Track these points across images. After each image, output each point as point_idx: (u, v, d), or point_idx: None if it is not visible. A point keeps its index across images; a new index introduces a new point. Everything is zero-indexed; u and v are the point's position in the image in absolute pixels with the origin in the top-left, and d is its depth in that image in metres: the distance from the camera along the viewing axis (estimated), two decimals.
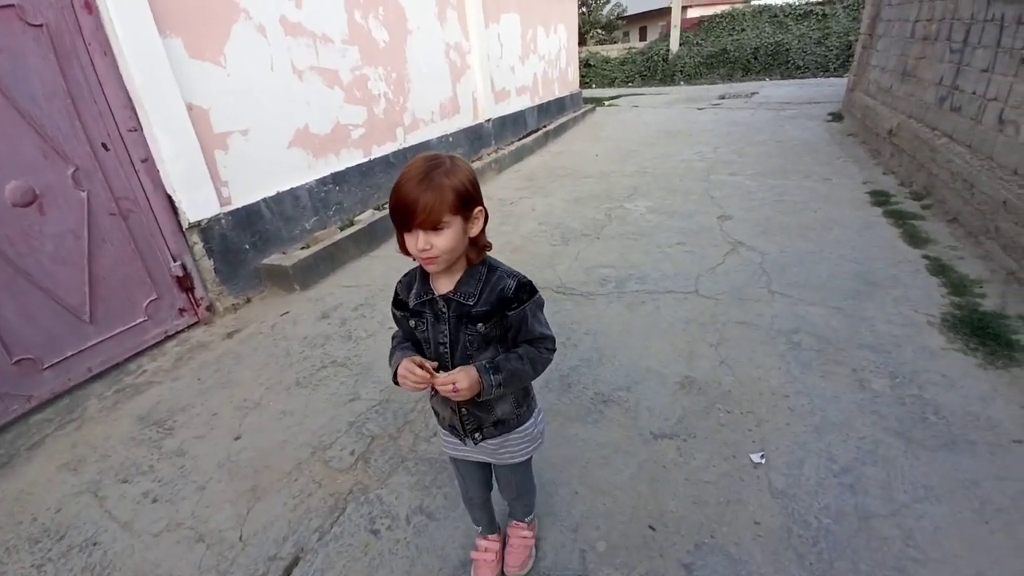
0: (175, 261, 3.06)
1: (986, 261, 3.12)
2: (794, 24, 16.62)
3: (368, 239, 4.11)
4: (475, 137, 6.32)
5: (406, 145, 5.00)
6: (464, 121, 6.07)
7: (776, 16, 17.20)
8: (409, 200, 0.90)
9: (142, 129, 2.80)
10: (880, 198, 4.41)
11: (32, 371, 2.52)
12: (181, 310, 3.16)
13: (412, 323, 1.11)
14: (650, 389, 2.20)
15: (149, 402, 2.54)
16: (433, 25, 5.32)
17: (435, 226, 0.92)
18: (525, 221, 4.50)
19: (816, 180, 5.02)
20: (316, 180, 3.95)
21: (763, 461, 1.77)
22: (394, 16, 4.70)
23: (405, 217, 0.92)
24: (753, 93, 11.50)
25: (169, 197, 2.97)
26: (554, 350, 1.13)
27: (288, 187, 3.72)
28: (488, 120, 6.55)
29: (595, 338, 2.61)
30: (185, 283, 3.13)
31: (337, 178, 4.15)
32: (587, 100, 11.70)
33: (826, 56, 15.02)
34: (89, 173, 2.62)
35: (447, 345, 1.07)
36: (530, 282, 1.08)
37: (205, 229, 3.15)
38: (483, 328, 1.05)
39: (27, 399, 2.48)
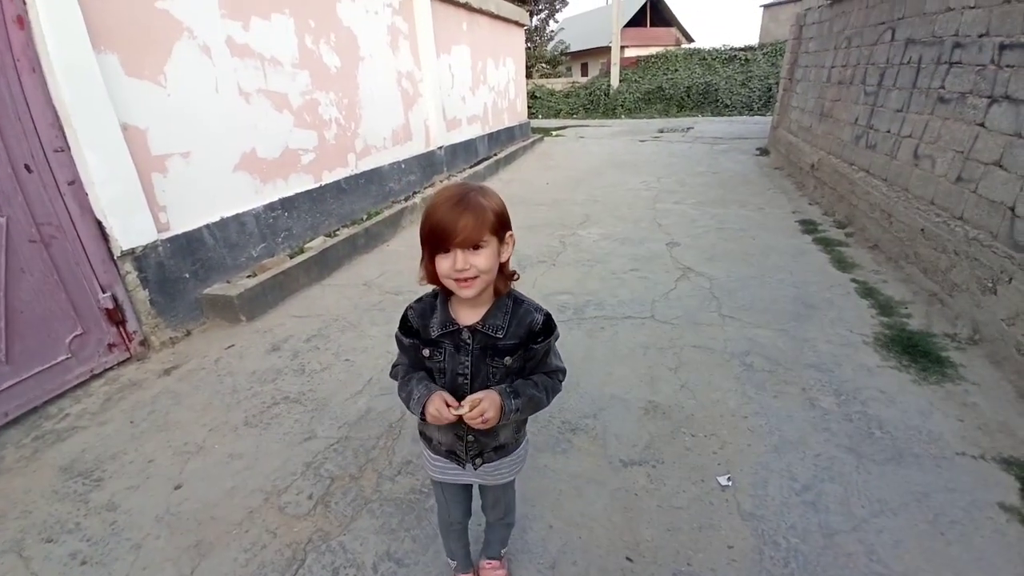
0: (104, 292, 2.80)
1: (908, 284, 3.42)
2: (721, 67, 18.02)
3: (319, 267, 3.96)
4: (427, 164, 6.31)
5: (358, 171, 4.91)
6: (416, 148, 6.06)
7: (705, 59, 18.61)
8: (450, 218, 0.89)
9: (69, 149, 2.58)
10: (808, 227, 4.77)
11: None
12: (111, 345, 2.88)
13: (427, 352, 1.07)
14: (616, 416, 2.22)
15: (73, 450, 2.27)
16: (385, 53, 5.33)
17: (475, 245, 0.91)
18: None
19: (751, 209, 5.37)
20: (264, 206, 3.78)
21: (730, 484, 1.81)
22: (346, 43, 4.66)
23: (445, 236, 0.90)
24: (689, 128, 12.27)
25: (99, 223, 2.74)
26: (564, 380, 1.15)
27: (233, 212, 3.54)
28: (440, 147, 6.57)
29: None
30: (116, 316, 2.87)
31: (286, 204, 3.99)
32: (535, 130, 12.04)
33: (750, 96, 16.35)
34: (8, 197, 2.37)
35: (467, 376, 1.06)
36: (551, 316, 1.09)
37: (140, 257, 2.91)
38: (509, 361, 1.05)
39: None
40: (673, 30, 29.27)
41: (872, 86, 4.78)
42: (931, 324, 2.89)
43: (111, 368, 2.89)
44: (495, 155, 8.46)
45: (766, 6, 26.69)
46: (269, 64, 3.78)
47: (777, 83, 15.70)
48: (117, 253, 2.82)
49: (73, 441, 2.33)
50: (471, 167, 7.49)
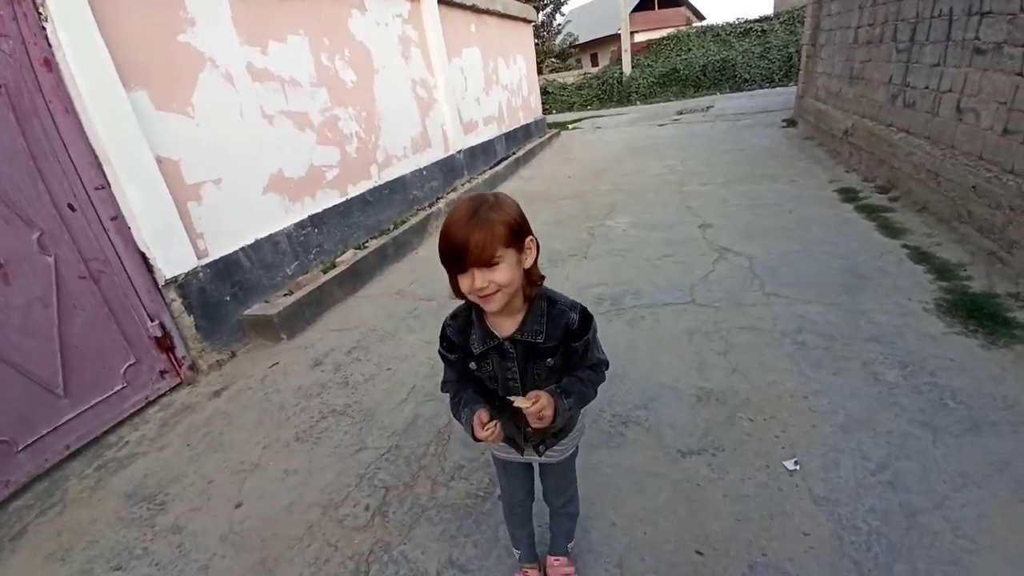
0: (152, 321, 2.89)
1: (963, 245, 3.22)
2: (736, 41, 17.48)
3: (352, 280, 4.00)
4: (448, 169, 6.32)
5: (381, 182, 4.95)
6: (436, 154, 6.08)
7: (719, 35, 18.08)
8: (460, 240, 0.90)
9: (110, 186, 2.67)
10: (848, 195, 4.56)
11: (7, 454, 2.32)
12: (162, 372, 2.98)
13: (474, 364, 1.11)
14: (668, 405, 2.15)
15: (136, 476, 2.34)
16: (398, 63, 5.36)
17: (489, 262, 0.91)
18: None
19: (784, 183, 5.17)
20: (294, 224, 3.85)
21: (798, 468, 1.73)
22: (360, 57, 4.71)
23: (458, 258, 0.92)
24: (709, 107, 11.96)
25: (143, 254, 2.83)
26: (607, 369, 1.17)
27: (266, 233, 3.61)
28: (459, 151, 6.58)
29: None
30: (165, 343, 2.96)
31: (315, 220, 4.05)
32: (551, 125, 11.95)
33: (769, 68, 15.79)
34: (55, 236, 2.47)
35: (517, 380, 1.09)
36: (587, 310, 1.10)
37: (183, 285, 3.00)
38: (551, 362, 1.07)
39: (4, 485, 2.27)
40: (683, 10, 28.65)
41: (904, 42, 4.54)
42: (993, 284, 2.71)
43: (164, 394, 2.99)
44: (513, 154, 8.43)
45: None
46: (289, 85, 3.85)
47: (798, 51, 15.16)
48: (161, 282, 2.90)
49: (135, 467, 2.41)
50: (491, 168, 7.48)
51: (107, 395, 2.73)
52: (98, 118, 2.55)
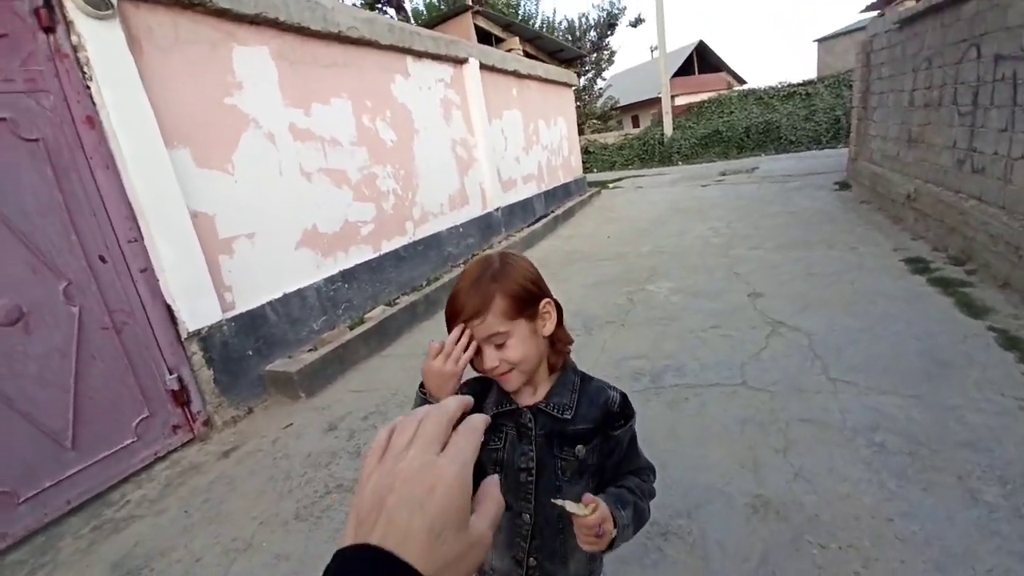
0: (171, 374, 2.82)
1: None
2: (780, 104, 17.44)
3: (379, 338, 3.88)
4: (485, 226, 6.30)
5: (416, 238, 4.93)
6: (473, 211, 6.09)
7: (761, 98, 18.12)
8: (456, 310, 0.81)
9: (142, 239, 2.69)
10: (918, 265, 4.16)
11: (7, 505, 2.23)
12: (175, 427, 2.87)
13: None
14: (716, 514, 1.82)
15: (127, 543, 2.19)
16: (439, 124, 5.48)
17: (497, 344, 0.80)
18: None
19: (842, 249, 4.82)
20: (324, 279, 3.80)
21: None
22: (402, 119, 4.82)
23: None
24: (754, 168, 11.75)
25: (168, 307, 2.80)
26: (655, 480, 0.96)
27: (295, 288, 3.56)
28: (497, 209, 6.58)
29: None
30: (181, 397, 2.86)
31: (346, 275, 4.01)
32: (592, 184, 12.00)
33: (816, 130, 15.57)
34: (83, 287, 2.46)
35: (531, 472, 0.85)
36: (627, 396, 0.92)
37: (205, 338, 2.94)
38: (582, 452, 0.85)
39: (1, 537, 2.16)
40: (723, 75, 29.14)
41: (966, 106, 4.26)
42: None
43: (175, 449, 2.87)
44: (552, 212, 8.40)
45: (820, 40, 26.09)
46: (329, 144, 3.93)
47: (845, 114, 14.98)
48: (184, 335, 2.85)
49: (128, 532, 2.26)
50: (528, 226, 7.44)
51: (116, 449, 2.63)
52: (137, 174, 2.60)
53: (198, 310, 2.88)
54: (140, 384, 2.70)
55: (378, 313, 4.11)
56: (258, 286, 3.31)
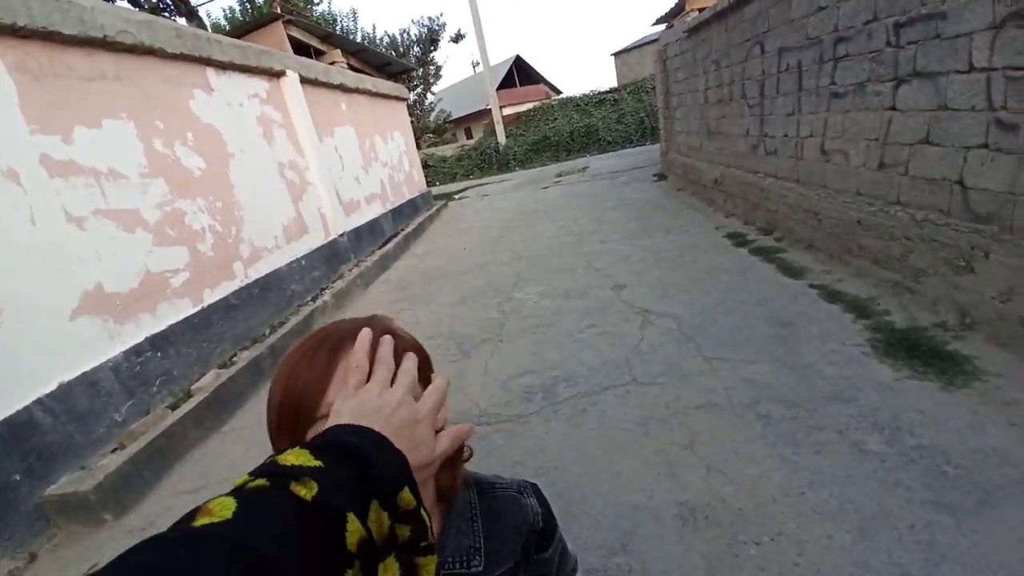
0: None
1: (864, 278, 3.30)
2: (594, 110, 19.24)
3: (215, 411, 3.12)
4: (331, 255, 5.65)
5: (249, 280, 4.16)
6: (315, 240, 5.41)
7: (579, 105, 19.82)
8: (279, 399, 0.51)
9: None
10: (737, 239, 4.70)
11: None
12: None
13: None
14: (650, 538, 1.67)
15: None
16: (260, 145, 4.74)
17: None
18: None
19: (677, 233, 5.28)
20: (124, 351, 2.94)
21: None
22: (209, 142, 4.03)
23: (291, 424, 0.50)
24: (585, 167, 12.66)
25: None
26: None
27: (78, 372, 2.67)
28: (342, 234, 5.96)
29: (551, 479, 2.04)
30: None
31: (157, 342, 3.16)
32: (437, 197, 11.79)
33: (627, 131, 17.47)
34: None
35: None
36: (539, 488, 0.70)
37: None
38: None
39: None
40: (541, 86, 31.35)
41: (754, 98, 4.95)
42: (914, 317, 2.71)
43: None
44: (402, 230, 7.97)
45: (616, 54, 29.59)
46: (107, 178, 3.06)
47: (647, 116, 17.07)
48: None
49: None
50: (380, 248, 6.92)
51: None
52: None
53: None
54: None
55: (210, 380, 3.32)
56: (17, 382, 2.39)
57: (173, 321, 3.32)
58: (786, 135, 4.34)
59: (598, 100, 19.79)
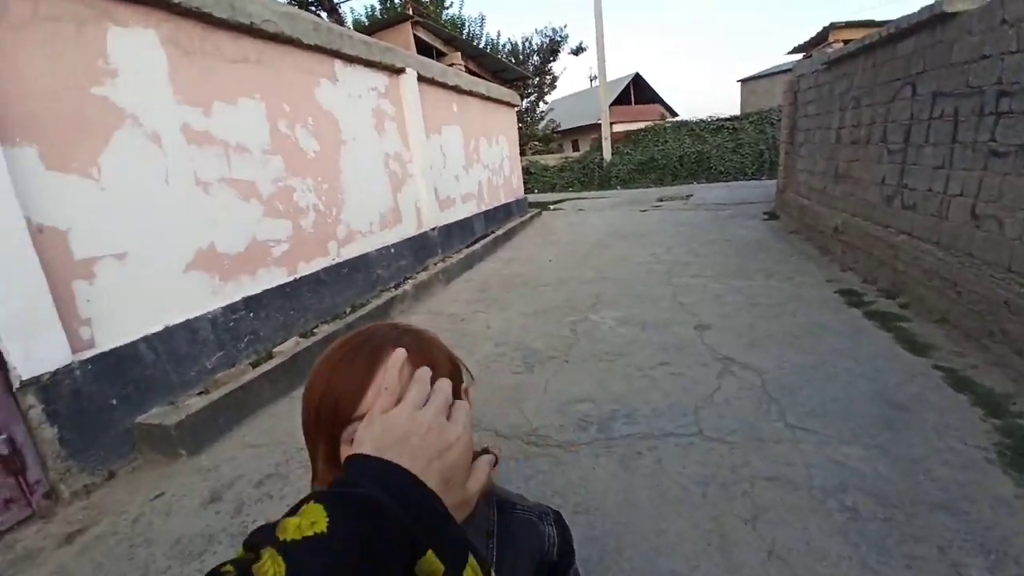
0: None
1: (1003, 369, 2.77)
2: (710, 136, 18.36)
3: (289, 376, 3.33)
4: (420, 247, 5.86)
5: (340, 259, 4.42)
6: (407, 230, 5.64)
7: (693, 130, 19.02)
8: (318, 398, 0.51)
9: None
10: (852, 297, 4.19)
11: None
12: (6, 501, 2.21)
13: None
14: None
15: None
16: (371, 136, 5.03)
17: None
18: (480, 342, 3.89)
19: (780, 279, 4.82)
20: (222, 307, 3.22)
21: None
22: (327, 128, 4.34)
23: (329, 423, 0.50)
24: (689, 195, 12.10)
25: None
26: None
27: (182, 319, 2.97)
28: (433, 228, 6.16)
29: (589, 519, 1.91)
30: (12, 464, 2.21)
31: (251, 303, 3.43)
32: (532, 205, 11.87)
33: (742, 163, 16.45)
34: None
35: None
36: (561, 516, 0.65)
37: (47, 387, 2.30)
38: None
39: None
40: (657, 106, 30.57)
41: (897, 143, 4.40)
42: None
43: (8, 530, 2.20)
44: (492, 232, 8.10)
45: (743, 81, 28.06)
46: (234, 151, 3.38)
47: (768, 148, 15.94)
48: (16, 384, 2.21)
49: None
50: (468, 247, 7.07)
51: None
52: None
53: (36, 352, 2.25)
54: None
55: (290, 346, 3.55)
56: (130, 318, 2.70)
57: (268, 287, 3.60)
58: (930, 190, 3.79)
59: (716, 127, 18.87)
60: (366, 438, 0.39)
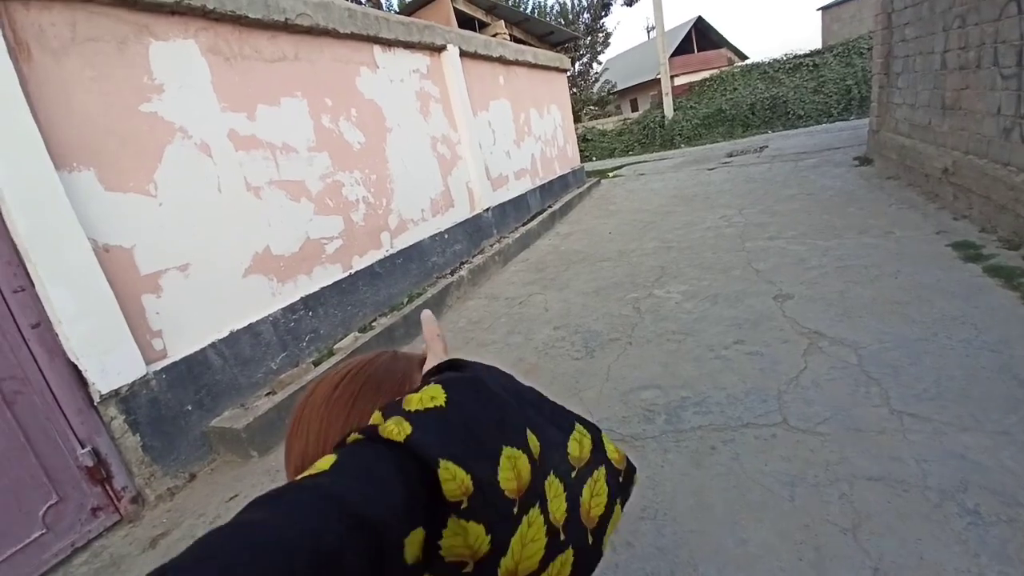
0: (83, 447, 2.33)
1: None
2: (786, 77, 16.67)
3: None
4: (474, 230, 5.77)
5: (394, 250, 4.42)
6: (460, 214, 5.55)
7: (766, 73, 17.35)
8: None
9: (33, 287, 2.20)
10: (968, 251, 3.57)
11: None
12: (94, 510, 2.39)
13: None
14: None
15: None
16: (416, 120, 4.94)
17: None
18: (538, 325, 3.75)
19: (877, 235, 4.23)
20: (282, 308, 3.30)
21: None
22: (370, 117, 4.29)
23: None
24: (763, 147, 11.07)
25: (73, 366, 2.31)
26: None
27: (246, 323, 3.07)
28: (486, 209, 6.04)
29: (657, 526, 1.73)
30: (99, 473, 2.38)
31: (310, 302, 3.50)
32: (590, 174, 11.41)
33: (826, 103, 14.80)
34: None
35: None
36: None
37: (127, 398, 2.45)
38: None
39: None
40: (724, 51, 28.19)
41: (1010, 67, 3.66)
42: None
43: (98, 536, 2.39)
44: (549, 207, 7.85)
45: (824, 8, 25.12)
46: (281, 152, 3.41)
47: (857, 84, 14.20)
48: (97, 398, 2.36)
49: None
50: (523, 225, 6.90)
51: (21, 546, 2.16)
52: (18, 208, 2.10)
53: (113, 366, 2.39)
54: (43, 465, 2.22)
55: (349, 342, 3.61)
56: (197, 326, 2.82)
57: (325, 284, 3.65)
58: None
59: (792, 66, 17.09)
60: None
